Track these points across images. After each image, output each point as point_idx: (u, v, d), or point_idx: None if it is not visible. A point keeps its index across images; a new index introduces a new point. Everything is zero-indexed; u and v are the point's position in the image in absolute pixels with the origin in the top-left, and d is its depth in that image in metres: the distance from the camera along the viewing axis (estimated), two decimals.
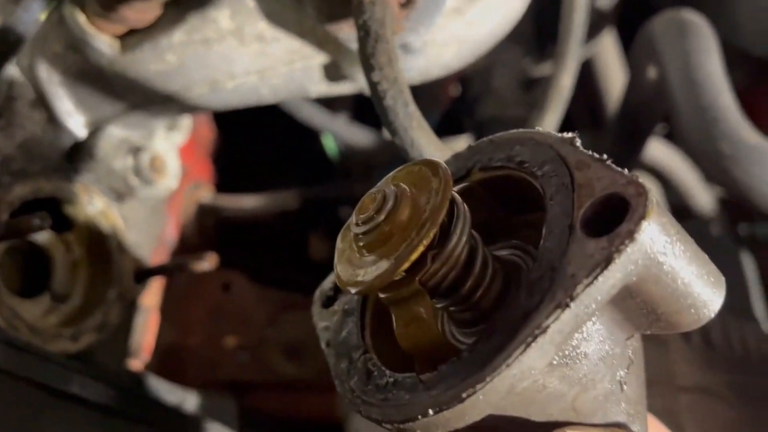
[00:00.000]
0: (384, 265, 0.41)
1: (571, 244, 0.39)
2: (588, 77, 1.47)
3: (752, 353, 0.92)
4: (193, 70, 0.82)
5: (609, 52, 1.47)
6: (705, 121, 0.81)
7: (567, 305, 0.37)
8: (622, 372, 0.43)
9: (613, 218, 0.37)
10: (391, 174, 0.46)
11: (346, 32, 0.67)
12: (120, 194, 0.92)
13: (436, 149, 0.61)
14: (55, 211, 0.87)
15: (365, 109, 1.38)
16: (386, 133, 1.39)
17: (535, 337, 0.37)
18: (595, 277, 0.36)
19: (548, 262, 0.39)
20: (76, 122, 0.87)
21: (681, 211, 1.40)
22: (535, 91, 1.50)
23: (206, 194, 1.35)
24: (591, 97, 1.49)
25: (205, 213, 1.33)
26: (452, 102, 1.43)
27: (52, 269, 0.88)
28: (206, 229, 1.33)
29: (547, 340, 0.37)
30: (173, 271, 0.97)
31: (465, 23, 0.85)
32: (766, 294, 1.18)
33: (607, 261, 0.36)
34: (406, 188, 0.42)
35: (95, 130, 0.89)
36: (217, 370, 1.21)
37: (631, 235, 0.36)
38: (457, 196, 0.43)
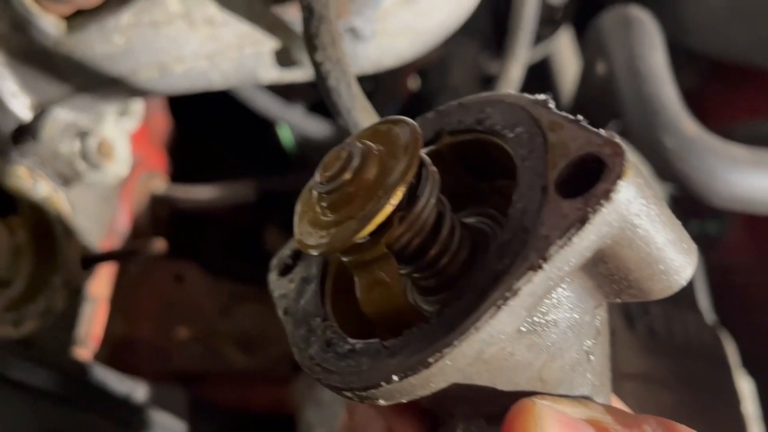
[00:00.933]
0: (349, 225, 0.39)
1: (545, 205, 0.37)
2: (546, 76, 1.50)
3: (693, 342, 0.94)
4: (140, 52, 0.81)
5: (565, 50, 1.49)
6: (647, 113, 0.83)
7: (540, 267, 0.35)
8: (589, 342, 0.42)
9: (588, 179, 0.36)
10: (356, 132, 0.45)
11: (292, 14, 0.67)
12: (67, 179, 0.91)
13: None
14: None
15: (322, 101, 1.38)
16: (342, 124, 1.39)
17: (505, 300, 0.35)
18: (570, 238, 0.35)
19: (520, 223, 0.38)
20: (20, 104, 0.86)
21: None
22: (491, 86, 1.52)
23: (160, 184, 1.33)
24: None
25: (158, 203, 1.32)
26: (410, 96, 1.44)
27: None
28: (159, 220, 1.32)
29: (518, 303, 0.36)
30: (121, 257, 0.95)
31: (417, 13, 0.86)
32: (712, 288, 1.21)
33: (582, 221, 0.35)
34: (373, 146, 0.41)
35: (41, 112, 0.88)
36: (168, 361, 1.20)
37: (607, 195, 0.35)
38: (425, 156, 0.42)
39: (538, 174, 0.39)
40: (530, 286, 0.36)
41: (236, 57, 0.83)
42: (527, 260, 0.36)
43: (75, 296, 0.97)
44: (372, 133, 0.43)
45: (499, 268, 0.37)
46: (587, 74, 1.11)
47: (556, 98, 1.48)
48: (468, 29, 0.97)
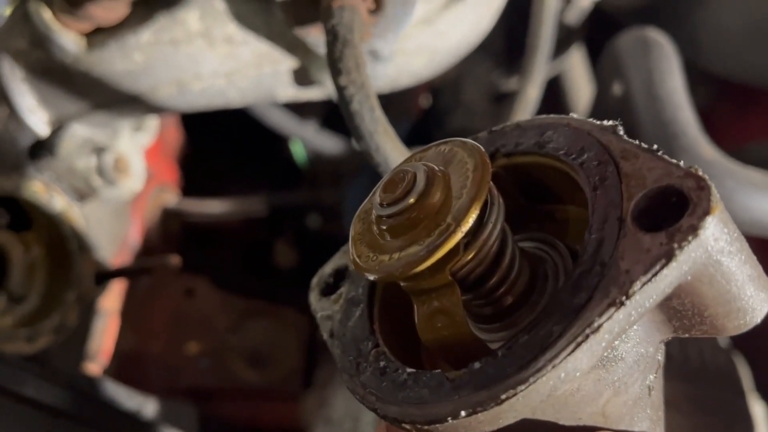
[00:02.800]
0: (413, 250, 0.37)
1: (623, 237, 0.36)
2: (557, 93, 1.50)
3: (708, 365, 0.93)
4: (160, 70, 0.81)
5: (577, 68, 1.49)
6: (665, 136, 0.82)
7: (622, 303, 0.34)
8: (651, 376, 0.41)
9: (668, 212, 0.35)
10: (416, 153, 0.43)
11: (315, 36, 0.67)
12: (82, 194, 0.91)
13: (400, 155, 0.61)
14: (14, 209, 0.86)
15: (335, 116, 1.39)
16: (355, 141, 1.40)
17: (586, 337, 0.34)
18: (654, 274, 0.34)
19: (596, 255, 0.36)
20: (38, 119, 0.86)
21: None
22: (504, 104, 1.52)
23: (172, 198, 1.33)
24: (560, 112, 1.51)
25: (170, 217, 1.32)
26: (422, 113, 1.44)
27: (9, 269, 0.86)
28: (171, 234, 1.32)
29: (598, 340, 0.34)
30: (135, 273, 0.95)
31: (434, 33, 0.86)
32: None
33: (668, 257, 0.34)
34: (436, 168, 0.39)
35: (58, 128, 0.88)
36: (178, 377, 1.19)
37: (694, 231, 0.33)
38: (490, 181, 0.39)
39: (612, 204, 0.37)
40: (611, 323, 0.34)
41: (254, 75, 0.83)
42: (608, 296, 0.34)
43: (88, 312, 0.97)
44: (434, 154, 0.41)
45: (576, 303, 0.35)
46: (602, 94, 1.11)
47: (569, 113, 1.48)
48: (481, 47, 0.97)
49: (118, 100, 0.84)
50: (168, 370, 1.19)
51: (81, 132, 0.89)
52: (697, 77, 0.99)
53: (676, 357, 0.92)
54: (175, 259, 0.90)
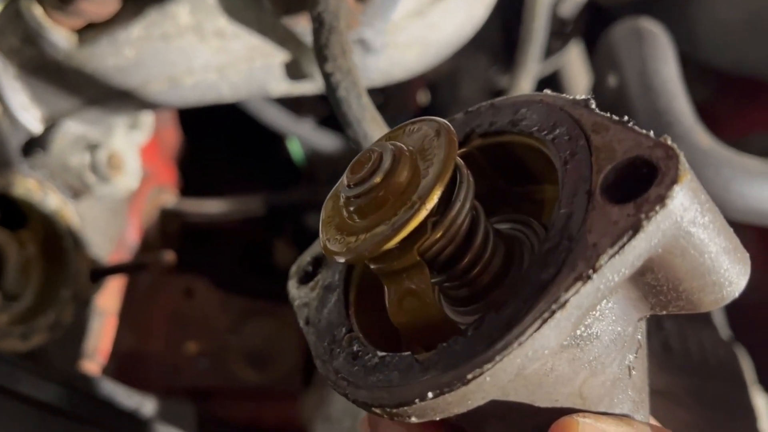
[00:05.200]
0: (380, 230, 0.37)
1: (591, 210, 0.35)
2: (556, 89, 1.49)
3: (709, 358, 0.92)
4: (151, 65, 0.81)
5: (575, 63, 1.49)
6: (660, 125, 0.82)
7: (589, 277, 0.33)
8: (631, 356, 0.39)
9: (637, 183, 0.34)
10: (387, 133, 0.42)
11: (303, 26, 0.67)
12: (76, 191, 0.91)
13: None
14: (8, 207, 0.86)
15: (332, 114, 1.39)
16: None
17: (552, 313, 0.33)
18: (621, 247, 0.33)
19: (564, 230, 0.35)
20: (31, 116, 0.86)
21: None
22: None
23: (170, 198, 1.33)
24: None
25: (168, 217, 1.32)
26: (420, 110, 1.44)
27: (3, 267, 0.86)
28: (169, 234, 1.32)
29: (565, 315, 0.33)
30: (130, 269, 0.95)
31: (426, 25, 0.86)
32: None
33: (635, 229, 0.33)
34: (404, 147, 0.38)
35: (51, 125, 0.88)
36: (177, 376, 1.19)
37: (661, 200, 0.32)
38: (459, 159, 0.39)
39: (582, 178, 0.36)
40: (578, 297, 0.33)
41: (246, 69, 0.83)
42: (575, 270, 0.33)
43: (83, 309, 0.97)
44: (402, 133, 0.40)
45: (543, 278, 0.34)
46: (598, 87, 1.10)
47: None
48: (478, 43, 0.96)
49: (110, 96, 0.84)
50: (167, 370, 1.19)
51: (74, 129, 0.89)
52: (696, 70, 0.98)
53: (677, 350, 0.91)
54: (170, 256, 0.90)
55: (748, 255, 0.37)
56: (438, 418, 0.36)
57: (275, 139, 1.40)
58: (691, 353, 0.92)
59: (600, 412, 0.39)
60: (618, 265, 0.33)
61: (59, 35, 0.80)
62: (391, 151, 0.38)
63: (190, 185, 1.41)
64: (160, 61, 0.81)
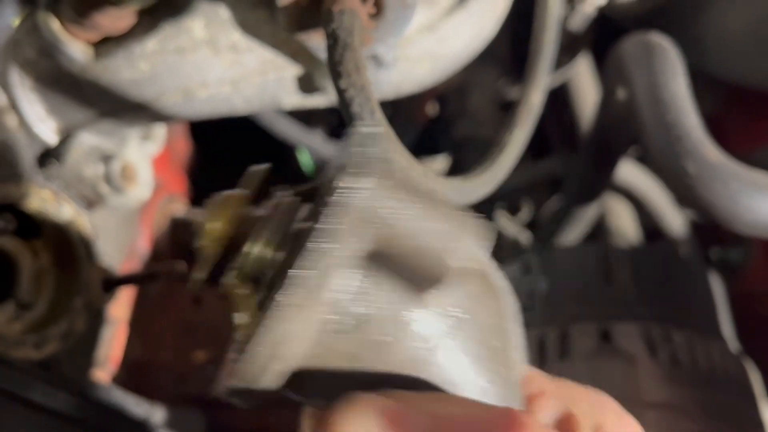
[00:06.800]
0: None
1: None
2: (564, 101, 1.50)
3: (718, 370, 0.93)
4: (165, 78, 0.82)
5: (583, 75, 1.49)
6: (670, 139, 0.83)
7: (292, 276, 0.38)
8: (434, 336, 0.41)
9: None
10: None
11: (316, 41, 0.68)
12: (90, 202, 0.92)
13: (402, 158, 0.62)
14: (23, 217, 0.87)
15: (341, 125, 1.39)
16: None
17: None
18: (317, 246, 0.38)
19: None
20: (47, 128, 0.87)
21: (653, 232, 1.42)
22: (510, 112, 1.52)
23: (181, 208, 1.34)
24: (567, 120, 1.51)
25: (179, 227, 1.33)
26: (428, 122, 1.45)
27: (17, 276, 0.87)
28: (180, 243, 1.33)
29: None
30: (142, 279, 0.96)
31: (438, 39, 0.87)
32: (734, 316, 1.19)
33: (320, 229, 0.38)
34: None
35: (66, 136, 0.89)
36: (186, 385, 1.20)
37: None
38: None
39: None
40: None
41: (259, 82, 0.84)
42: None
43: (96, 319, 0.98)
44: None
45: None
46: (607, 100, 1.11)
47: (574, 123, 1.48)
48: (486, 55, 0.97)
49: (124, 108, 0.85)
50: (176, 378, 1.20)
51: (88, 140, 0.91)
52: (703, 82, 0.99)
53: (686, 363, 0.91)
54: (181, 266, 0.90)
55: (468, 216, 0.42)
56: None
57: (285, 150, 1.41)
58: (700, 366, 0.92)
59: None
60: (318, 263, 0.39)
61: (75, 48, 0.81)
62: None
63: (200, 195, 1.42)
64: (174, 75, 0.82)
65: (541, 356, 0.99)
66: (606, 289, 1.01)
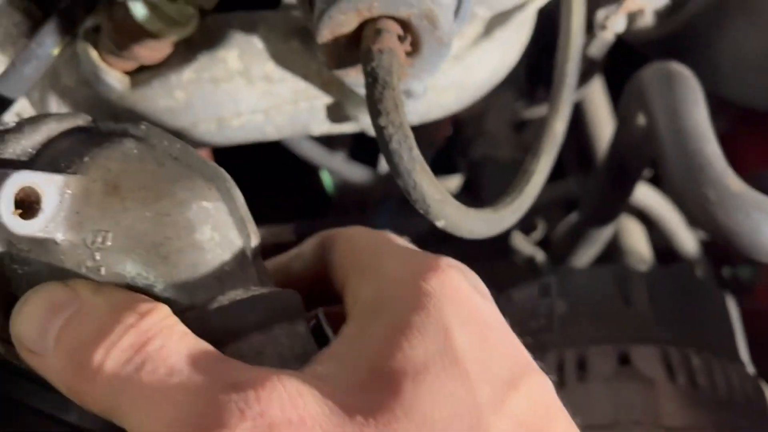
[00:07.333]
0: None
1: None
2: (576, 121, 1.52)
3: (737, 394, 0.94)
4: (200, 107, 0.84)
5: (597, 96, 1.51)
6: (692, 167, 0.84)
7: None
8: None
9: None
10: None
11: (354, 77, 0.70)
12: None
13: (437, 192, 0.64)
14: None
15: (361, 146, 1.42)
16: (381, 171, 1.42)
17: None
18: None
19: None
20: None
21: (664, 252, 1.44)
22: (525, 132, 1.55)
23: None
24: (579, 140, 1.53)
25: None
26: (446, 141, 1.47)
27: None
28: None
29: None
30: None
31: (463, 68, 0.89)
32: (747, 335, 1.21)
33: None
34: None
35: None
36: None
37: None
38: None
39: None
40: None
41: (291, 111, 0.86)
42: None
43: None
44: None
45: None
46: (625, 124, 1.13)
47: (588, 144, 1.50)
48: (505, 79, 0.99)
49: None
50: None
51: None
52: (713, 103, 1.00)
53: (704, 387, 0.93)
54: None
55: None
56: None
57: (308, 169, 1.43)
58: (719, 390, 0.94)
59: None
60: None
61: (113, 77, 0.83)
62: None
63: None
64: (209, 104, 0.84)
65: (559, 378, 1.00)
66: (624, 312, 1.03)
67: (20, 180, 0.43)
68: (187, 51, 0.83)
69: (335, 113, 0.86)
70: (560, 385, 0.98)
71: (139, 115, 0.85)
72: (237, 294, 0.46)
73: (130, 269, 0.45)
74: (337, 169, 1.34)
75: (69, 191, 0.45)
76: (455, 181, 1.50)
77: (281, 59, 0.82)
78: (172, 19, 0.76)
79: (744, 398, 0.94)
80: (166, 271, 0.45)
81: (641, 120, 1.07)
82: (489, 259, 1.32)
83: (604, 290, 1.06)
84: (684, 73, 0.95)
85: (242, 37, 0.83)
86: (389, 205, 1.34)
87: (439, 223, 0.65)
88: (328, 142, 1.34)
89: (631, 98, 1.04)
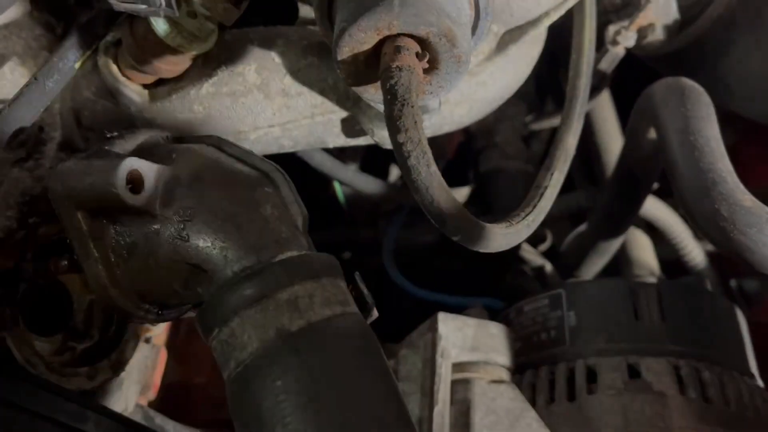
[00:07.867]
0: None
1: None
2: (584, 133, 1.53)
3: (748, 408, 0.94)
4: (218, 121, 0.85)
5: (605, 109, 1.52)
6: (705, 183, 0.84)
7: None
8: None
9: None
10: None
11: (372, 94, 0.71)
12: None
13: (454, 207, 0.65)
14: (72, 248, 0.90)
15: (372, 157, 1.43)
16: (391, 182, 1.44)
17: None
18: None
19: None
20: None
21: (674, 265, 1.45)
22: (533, 143, 1.56)
23: None
24: (587, 153, 1.54)
25: None
26: (456, 153, 1.48)
27: (71, 307, 0.90)
28: None
29: None
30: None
31: (477, 83, 0.90)
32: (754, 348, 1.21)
33: None
34: None
35: None
36: (222, 409, 1.22)
37: None
38: None
39: None
40: None
41: (307, 125, 0.87)
42: None
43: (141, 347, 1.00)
44: None
45: None
46: (635, 138, 1.13)
47: (596, 157, 1.51)
48: (515, 93, 1.00)
49: None
50: (213, 403, 1.22)
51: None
52: (720, 115, 1.01)
53: (715, 399, 0.93)
54: None
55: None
56: None
57: (321, 180, 1.44)
58: (730, 404, 0.94)
59: None
60: None
61: (132, 90, 0.84)
62: None
63: None
64: (227, 117, 0.85)
65: (569, 390, 1.00)
66: (635, 325, 1.03)
67: (130, 164, 0.58)
68: (205, 65, 0.84)
69: (350, 127, 0.87)
70: (570, 397, 0.98)
71: (158, 129, 0.86)
72: (292, 254, 0.61)
73: (211, 235, 0.59)
74: (348, 181, 1.35)
75: (164, 177, 0.61)
76: (464, 192, 1.51)
77: (298, 74, 0.84)
78: (192, 35, 0.77)
79: (755, 412, 0.94)
80: (239, 236, 0.59)
81: (652, 134, 1.08)
82: (495, 269, 1.32)
83: (614, 303, 1.06)
84: (696, 88, 0.96)
85: (260, 51, 0.84)
86: (400, 216, 1.35)
87: (455, 238, 0.66)
88: (340, 153, 1.36)
89: (642, 113, 1.05)
